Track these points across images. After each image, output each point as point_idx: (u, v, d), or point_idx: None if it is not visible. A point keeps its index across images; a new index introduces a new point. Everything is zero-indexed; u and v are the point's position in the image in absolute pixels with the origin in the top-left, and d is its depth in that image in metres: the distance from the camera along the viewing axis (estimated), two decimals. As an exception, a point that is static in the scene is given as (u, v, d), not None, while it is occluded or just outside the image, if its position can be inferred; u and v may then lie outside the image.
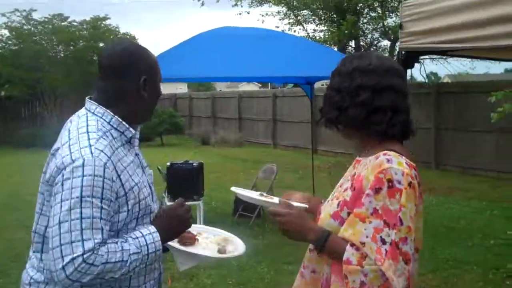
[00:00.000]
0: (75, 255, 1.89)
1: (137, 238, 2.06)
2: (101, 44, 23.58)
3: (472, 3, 3.41)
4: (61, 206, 1.93)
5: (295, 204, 2.35)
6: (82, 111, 2.19)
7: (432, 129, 14.42)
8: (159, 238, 2.10)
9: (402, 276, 1.90)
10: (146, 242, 2.06)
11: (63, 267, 1.89)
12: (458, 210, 9.58)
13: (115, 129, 2.14)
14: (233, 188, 2.61)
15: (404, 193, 1.93)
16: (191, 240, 2.37)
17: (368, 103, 2.07)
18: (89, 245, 1.90)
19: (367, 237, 1.93)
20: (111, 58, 2.19)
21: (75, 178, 1.94)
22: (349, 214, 2.02)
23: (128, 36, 25.68)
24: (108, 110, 2.14)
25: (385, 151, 2.02)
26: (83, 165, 1.95)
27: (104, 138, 2.06)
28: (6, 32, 24.11)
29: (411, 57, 3.98)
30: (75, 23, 24.61)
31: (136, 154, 2.26)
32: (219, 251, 2.36)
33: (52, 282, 2.07)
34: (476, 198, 10.48)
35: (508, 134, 12.37)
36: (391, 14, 15.94)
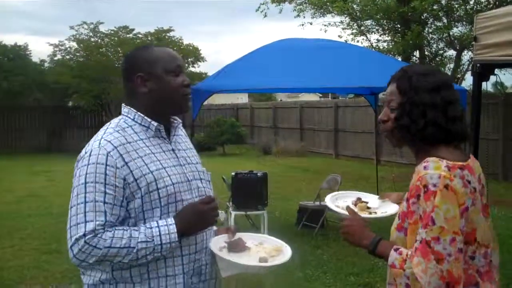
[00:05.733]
0: (77, 235, 2.06)
1: (151, 228, 2.15)
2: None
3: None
4: (72, 193, 2.17)
5: (391, 205, 2.61)
6: None
7: (500, 140, 14.05)
8: (175, 230, 2.16)
9: (434, 276, 1.94)
10: (159, 233, 2.14)
11: (70, 247, 2.08)
12: (528, 224, 9.27)
13: (139, 124, 2.31)
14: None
15: (438, 194, 1.99)
16: (240, 247, 2.38)
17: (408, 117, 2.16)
18: (90, 226, 2.06)
19: (415, 241, 2.03)
20: (121, 63, 2.44)
21: (82, 166, 2.17)
22: (409, 223, 2.11)
23: (191, 47, 26.17)
24: (131, 109, 2.33)
25: (427, 158, 2.10)
26: (89, 155, 2.17)
27: (118, 132, 2.25)
28: (74, 45, 24.98)
29: (487, 70, 3.91)
30: (140, 35, 25.25)
31: (173, 150, 2.35)
32: (260, 260, 2.31)
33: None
34: (547, 211, 10.11)
35: None
36: (456, 24, 15.63)
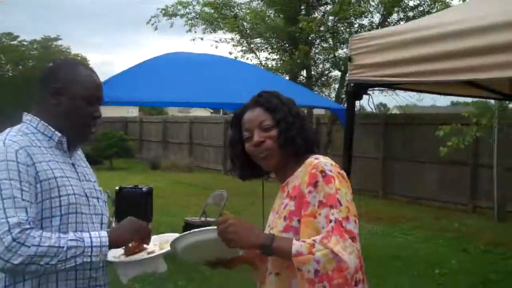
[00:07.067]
0: (1, 231, 1.91)
1: (81, 231, 2.12)
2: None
3: (419, 38, 3.51)
4: None
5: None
6: None
7: (380, 158, 14.67)
8: (106, 234, 2.12)
9: (353, 254, 1.93)
10: (89, 235, 2.08)
11: None
12: (404, 239, 9.73)
13: (42, 133, 2.21)
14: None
15: (336, 178, 2.05)
16: (136, 250, 2.27)
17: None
18: (13, 220, 1.93)
19: (323, 227, 1.98)
20: (42, 70, 2.36)
21: None
22: (299, 221, 2.06)
23: (79, 58, 25.47)
24: (35, 117, 2.23)
25: (311, 156, 2.15)
26: None
27: (21, 136, 2.14)
28: None
29: (360, 89, 4.08)
30: (25, 43, 24.26)
31: (73, 164, 2.29)
32: (148, 254, 2.25)
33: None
34: (421, 228, 10.66)
35: (452, 165, 12.68)
36: (342, 46, 16.25)
